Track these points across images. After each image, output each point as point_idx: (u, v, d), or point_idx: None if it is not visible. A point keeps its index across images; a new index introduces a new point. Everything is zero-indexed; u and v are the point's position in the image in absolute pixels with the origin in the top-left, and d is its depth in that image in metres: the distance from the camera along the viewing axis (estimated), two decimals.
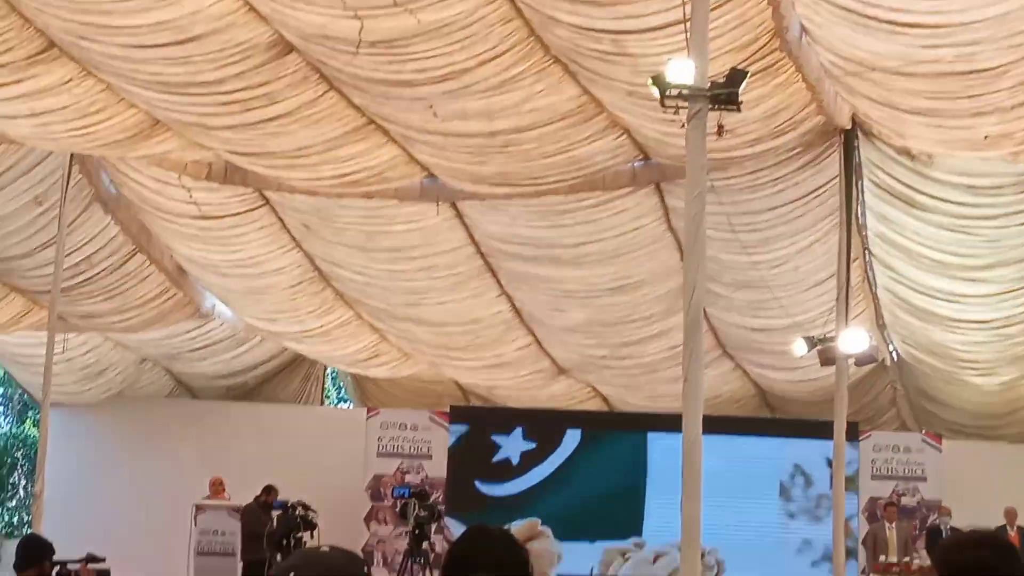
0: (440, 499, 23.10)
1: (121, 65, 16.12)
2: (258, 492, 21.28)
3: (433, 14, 14.96)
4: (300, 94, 16.78)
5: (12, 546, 11.67)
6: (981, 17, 14.54)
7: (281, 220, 21.15)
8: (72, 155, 18.46)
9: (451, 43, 15.62)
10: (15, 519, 30.60)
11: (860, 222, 21.43)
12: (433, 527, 18.90)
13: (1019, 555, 4.43)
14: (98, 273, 21.15)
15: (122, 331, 23.23)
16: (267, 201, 20.74)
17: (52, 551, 9.67)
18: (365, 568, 3.19)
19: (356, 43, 15.39)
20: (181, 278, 22.25)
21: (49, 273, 19.03)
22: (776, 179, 20.01)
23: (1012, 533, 21.01)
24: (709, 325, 22.25)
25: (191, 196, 19.69)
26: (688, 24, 12.54)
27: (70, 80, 16.44)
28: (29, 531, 22.56)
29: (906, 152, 19.50)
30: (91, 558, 13.13)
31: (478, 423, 25.54)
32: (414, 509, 17.57)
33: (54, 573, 9.68)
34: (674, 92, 12.39)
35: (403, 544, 19.81)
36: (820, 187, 20.25)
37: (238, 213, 20.78)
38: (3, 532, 29.46)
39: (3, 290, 21.05)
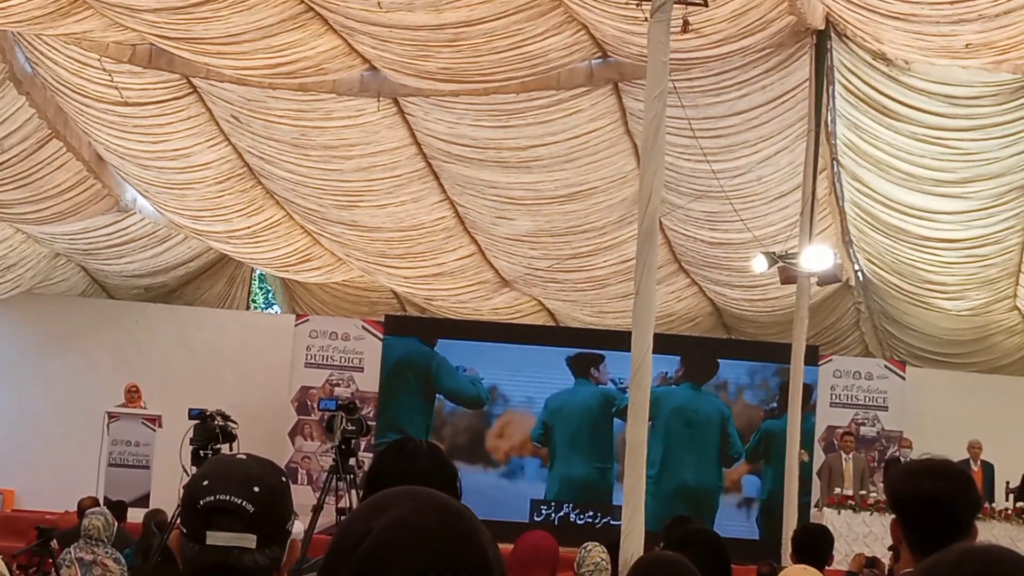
0: (371, 414, 23.08)
1: None
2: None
3: None
4: None
5: None
6: None
7: (209, 111, 21.07)
8: None
9: None
10: None
11: (829, 130, 21.68)
12: (362, 443, 19.02)
13: (976, 488, 4.45)
14: (10, 159, 20.93)
15: (34, 223, 23.11)
16: (194, 89, 20.62)
17: None
18: (283, 478, 3.32)
19: None
20: (100, 168, 22.12)
21: None
22: (742, 82, 20.16)
23: (975, 469, 21.49)
24: (664, 237, 22.44)
25: (112, 80, 19.63)
26: None
27: None
28: None
29: (882, 57, 19.67)
30: None
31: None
32: (341, 423, 17.60)
33: None
34: None
35: (329, 461, 19.94)
36: (788, 92, 20.40)
37: (163, 101, 20.68)
38: None
39: None
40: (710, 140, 20.45)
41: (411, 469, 4.28)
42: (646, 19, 12.84)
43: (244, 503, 3.13)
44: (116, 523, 14.69)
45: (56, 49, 19.46)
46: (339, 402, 20.01)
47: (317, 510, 16.25)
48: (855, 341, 27.99)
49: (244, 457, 3.36)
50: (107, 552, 13.25)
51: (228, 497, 3.12)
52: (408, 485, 2.24)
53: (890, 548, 11.53)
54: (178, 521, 3.26)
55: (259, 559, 3.16)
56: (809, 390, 22.91)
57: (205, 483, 3.13)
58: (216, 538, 3.12)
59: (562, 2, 17.48)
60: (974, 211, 22.61)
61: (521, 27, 17.94)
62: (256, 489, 3.15)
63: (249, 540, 3.15)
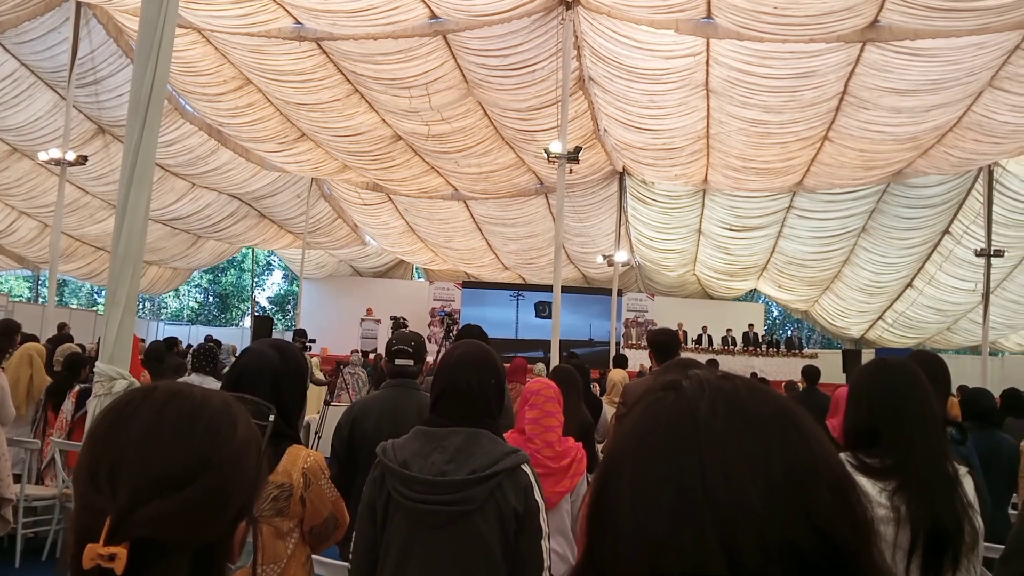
0: (458, 317, 29.58)
1: None
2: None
3: None
4: None
5: None
6: None
7: None
8: None
9: None
10: None
11: (628, 219, 28.76)
12: (455, 328, 19.10)
13: (678, 336, 6.47)
14: None
15: None
16: None
17: None
18: (423, 337, 5.00)
19: None
20: None
21: None
22: (590, 197, 26.82)
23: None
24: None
25: None
26: (559, 131, 15.88)
27: None
28: None
29: (643, 183, 26.13)
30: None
31: None
32: (447, 320, 19.28)
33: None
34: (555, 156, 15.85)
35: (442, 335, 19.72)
36: (605, 199, 27.39)
37: None
38: None
39: None
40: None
41: (471, 333, 6.31)
42: (559, 166, 15.66)
43: (408, 347, 4.90)
44: (365, 357, 20.49)
45: None
46: (446, 313, 26.59)
47: (436, 353, 14.83)
48: (637, 287, 36.30)
49: (408, 330, 5.01)
50: (360, 369, 17.86)
51: (402, 346, 4.88)
52: (469, 339, 3.68)
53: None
54: (383, 358, 6.10)
55: (413, 369, 4.91)
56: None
57: (394, 341, 4.91)
58: (399, 361, 4.86)
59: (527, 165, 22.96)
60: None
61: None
62: (413, 342, 4.89)
63: (411, 361, 4.90)
